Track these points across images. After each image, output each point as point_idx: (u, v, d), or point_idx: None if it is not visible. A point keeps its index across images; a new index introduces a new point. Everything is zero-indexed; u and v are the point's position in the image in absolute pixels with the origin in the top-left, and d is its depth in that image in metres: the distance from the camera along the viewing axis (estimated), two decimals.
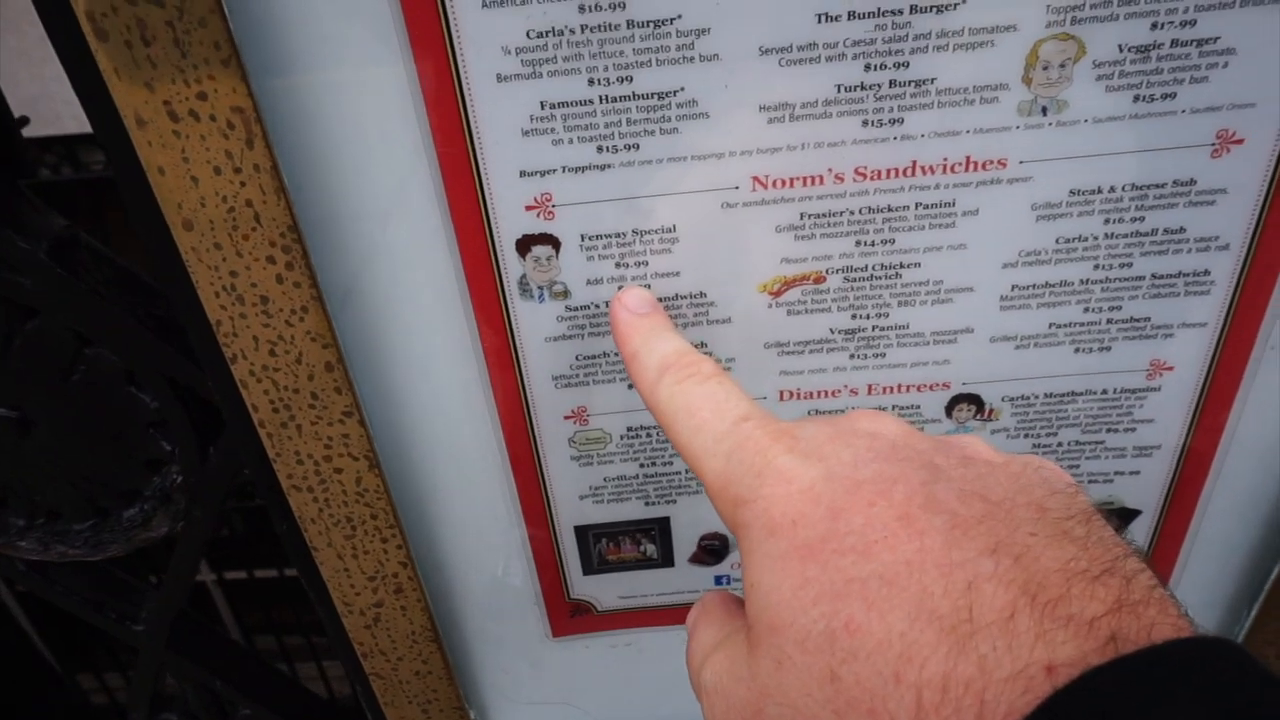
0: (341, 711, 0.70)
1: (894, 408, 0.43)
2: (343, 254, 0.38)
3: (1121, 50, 0.33)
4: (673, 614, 0.51)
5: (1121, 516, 0.47)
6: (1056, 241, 0.38)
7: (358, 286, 0.39)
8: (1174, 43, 0.33)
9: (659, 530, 0.48)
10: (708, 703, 0.25)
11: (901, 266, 0.39)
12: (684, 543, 0.48)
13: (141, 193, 0.34)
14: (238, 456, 0.49)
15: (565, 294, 0.39)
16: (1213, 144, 0.36)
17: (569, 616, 0.51)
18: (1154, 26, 0.33)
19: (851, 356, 0.41)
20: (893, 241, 0.38)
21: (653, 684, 0.54)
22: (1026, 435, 0.44)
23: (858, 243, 0.38)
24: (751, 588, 0.23)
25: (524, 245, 0.38)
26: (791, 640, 0.20)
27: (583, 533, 0.48)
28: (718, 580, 0.50)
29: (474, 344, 0.40)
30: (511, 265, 0.38)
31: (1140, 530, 0.47)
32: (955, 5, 0.32)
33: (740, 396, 0.29)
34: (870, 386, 0.43)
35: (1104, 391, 0.43)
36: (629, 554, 0.49)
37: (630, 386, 0.42)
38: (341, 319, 0.39)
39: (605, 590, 0.50)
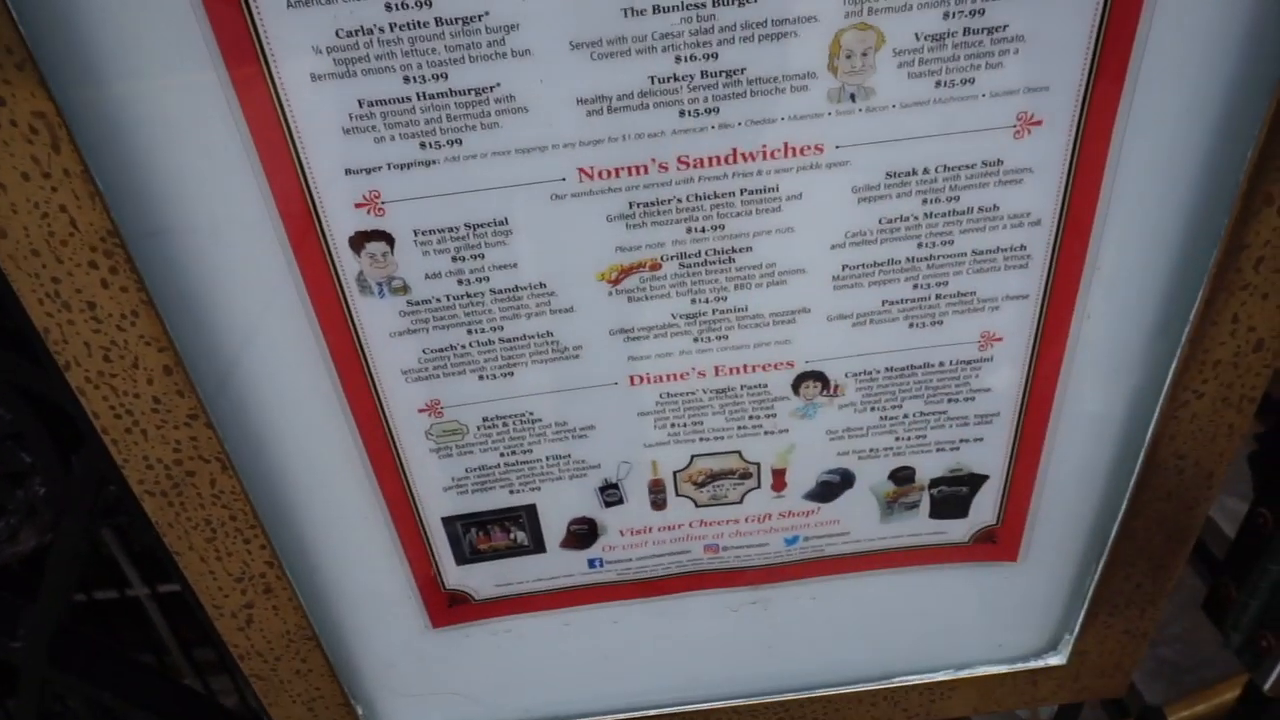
0: (237, 717, 0.71)
1: (742, 387, 0.45)
2: (173, 265, 0.38)
3: (919, 38, 0.36)
4: (550, 599, 0.53)
5: (970, 482, 0.50)
6: (879, 222, 0.41)
7: (194, 296, 0.39)
8: (966, 30, 0.36)
9: (527, 517, 0.49)
10: None
11: (734, 251, 0.41)
12: (553, 528, 0.50)
13: None
14: (102, 465, 0.49)
15: (405, 289, 0.40)
16: (1014, 125, 0.38)
17: (447, 607, 0.53)
18: (946, 16, 0.35)
19: (695, 340, 0.43)
20: (722, 227, 0.40)
21: (536, 668, 0.56)
22: (873, 409, 0.47)
23: (689, 229, 0.40)
24: None
25: (357, 242, 0.39)
26: None
27: (450, 523, 0.49)
28: (591, 563, 0.52)
29: (318, 341, 0.41)
30: (347, 262, 0.39)
31: (989, 494, 0.51)
32: None
33: None
34: (717, 368, 0.45)
35: (941, 364, 0.45)
36: (500, 542, 0.50)
37: (482, 377, 0.44)
38: (180, 328, 0.40)
39: (481, 579, 0.52)
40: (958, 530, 0.52)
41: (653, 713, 0.58)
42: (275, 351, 0.41)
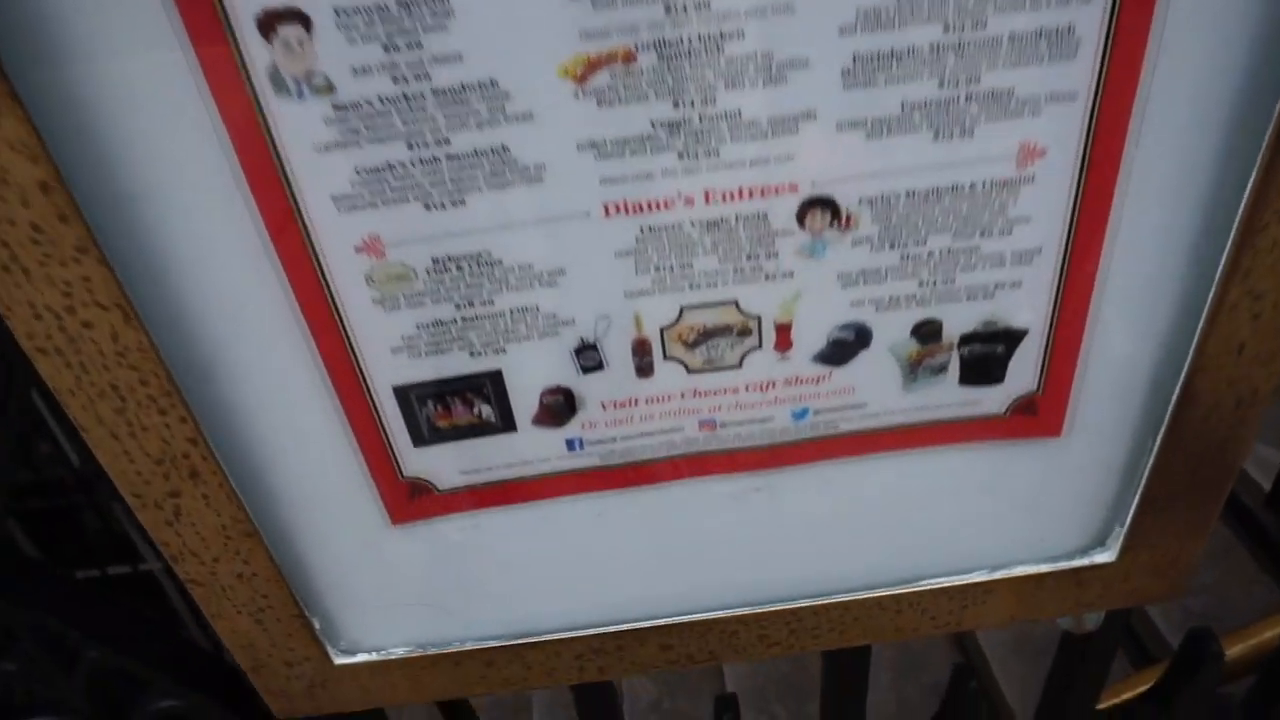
0: (196, 648, 0.65)
1: (737, 218, 0.39)
2: (50, 66, 0.32)
3: None
4: (525, 488, 0.47)
5: (1006, 339, 0.44)
6: None
7: (66, 88, 0.33)
8: None
9: (491, 386, 0.43)
10: None
11: (722, 37, 0.34)
12: (524, 400, 0.44)
13: None
14: (6, 343, 0.43)
15: (329, 88, 0.34)
16: None
17: (407, 499, 0.47)
18: None
19: (681, 156, 0.37)
20: (708, 5, 0.34)
21: (513, 573, 0.51)
22: (892, 245, 0.41)
23: (667, 9, 0.34)
24: None
25: (268, 24, 0.33)
26: None
27: (404, 395, 0.43)
28: (569, 444, 0.46)
29: (228, 156, 0.35)
30: (256, 51, 0.33)
31: (1029, 353, 0.44)
32: None
33: None
34: (708, 194, 0.38)
35: (972, 186, 0.39)
36: (462, 418, 0.44)
37: (429, 206, 0.38)
38: (57, 143, 0.34)
39: (443, 464, 0.46)
40: (992, 400, 0.46)
41: (646, 624, 0.53)
42: (173, 163, 0.35)
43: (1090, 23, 0.35)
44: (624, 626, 0.53)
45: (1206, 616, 1.57)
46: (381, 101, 0.35)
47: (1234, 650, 1.11)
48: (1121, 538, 0.51)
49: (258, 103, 0.34)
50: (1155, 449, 0.47)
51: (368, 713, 0.63)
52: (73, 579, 0.63)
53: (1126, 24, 0.35)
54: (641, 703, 1.65)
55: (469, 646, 0.53)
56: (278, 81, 0.34)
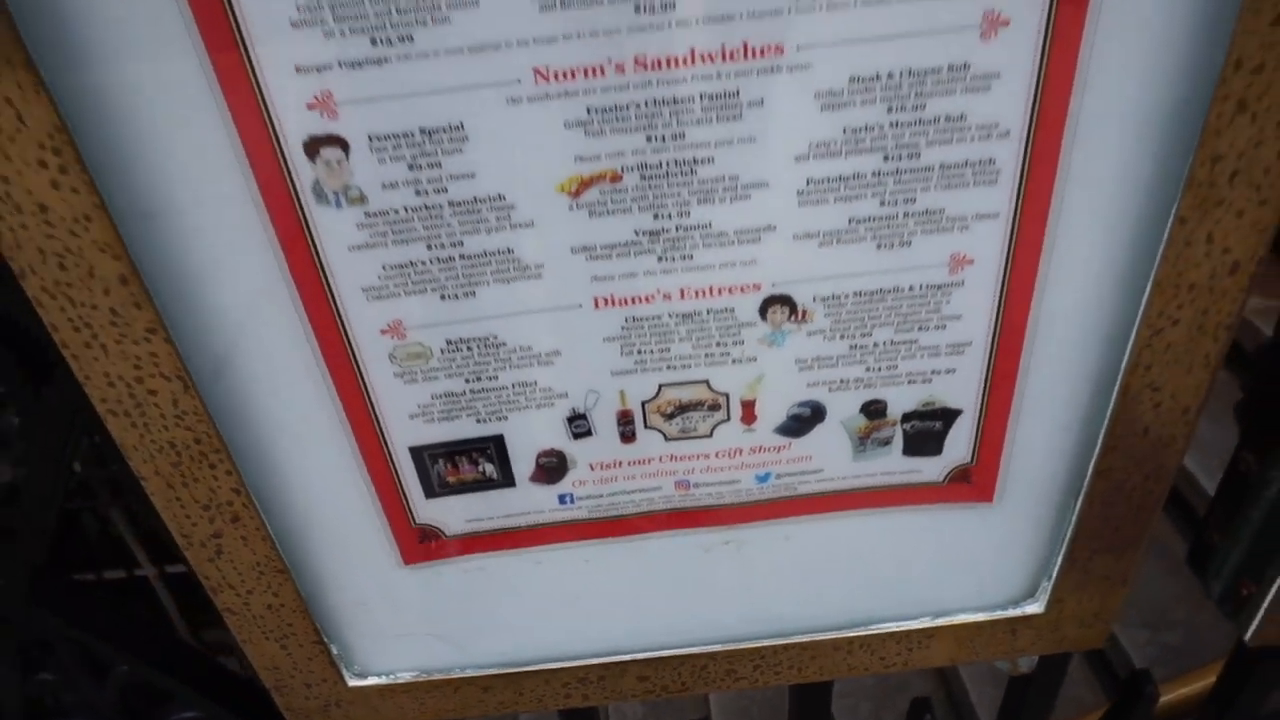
0: (216, 662, 0.68)
1: (708, 312, 0.42)
2: (129, 177, 0.36)
3: None
4: (521, 536, 0.50)
5: (944, 417, 0.47)
6: (844, 131, 0.37)
7: (150, 210, 0.37)
8: None
9: (494, 448, 0.46)
10: None
11: (695, 162, 0.38)
12: (522, 460, 0.47)
13: None
14: (74, 395, 0.46)
15: (361, 199, 0.38)
16: (980, 26, 0.35)
17: (418, 542, 0.50)
18: None
19: (660, 259, 0.40)
20: (683, 135, 0.37)
21: (508, 610, 0.53)
22: (842, 336, 0.43)
23: (649, 138, 0.37)
24: None
25: (312, 148, 0.36)
26: None
27: (418, 454, 0.46)
28: (561, 499, 0.49)
29: (277, 255, 0.38)
30: (303, 169, 0.37)
31: (963, 429, 0.47)
32: None
33: None
34: (683, 290, 0.42)
35: (911, 288, 0.42)
36: (468, 474, 0.47)
37: (444, 297, 0.41)
38: (137, 243, 0.37)
39: (451, 514, 0.49)
40: (932, 469, 0.49)
41: (626, 658, 0.55)
42: (236, 269, 0.39)
43: (1009, 155, 0.38)
44: (606, 659, 0.55)
45: (1182, 650, 1.57)
46: (406, 210, 0.38)
47: (1205, 683, 1.11)
48: (1049, 591, 0.53)
49: (302, 211, 0.38)
50: (1075, 514, 0.50)
51: None
52: (107, 596, 0.66)
53: (1040, 156, 0.38)
54: None
55: (469, 674, 0.55)
56: (319, 194, 0.37)
